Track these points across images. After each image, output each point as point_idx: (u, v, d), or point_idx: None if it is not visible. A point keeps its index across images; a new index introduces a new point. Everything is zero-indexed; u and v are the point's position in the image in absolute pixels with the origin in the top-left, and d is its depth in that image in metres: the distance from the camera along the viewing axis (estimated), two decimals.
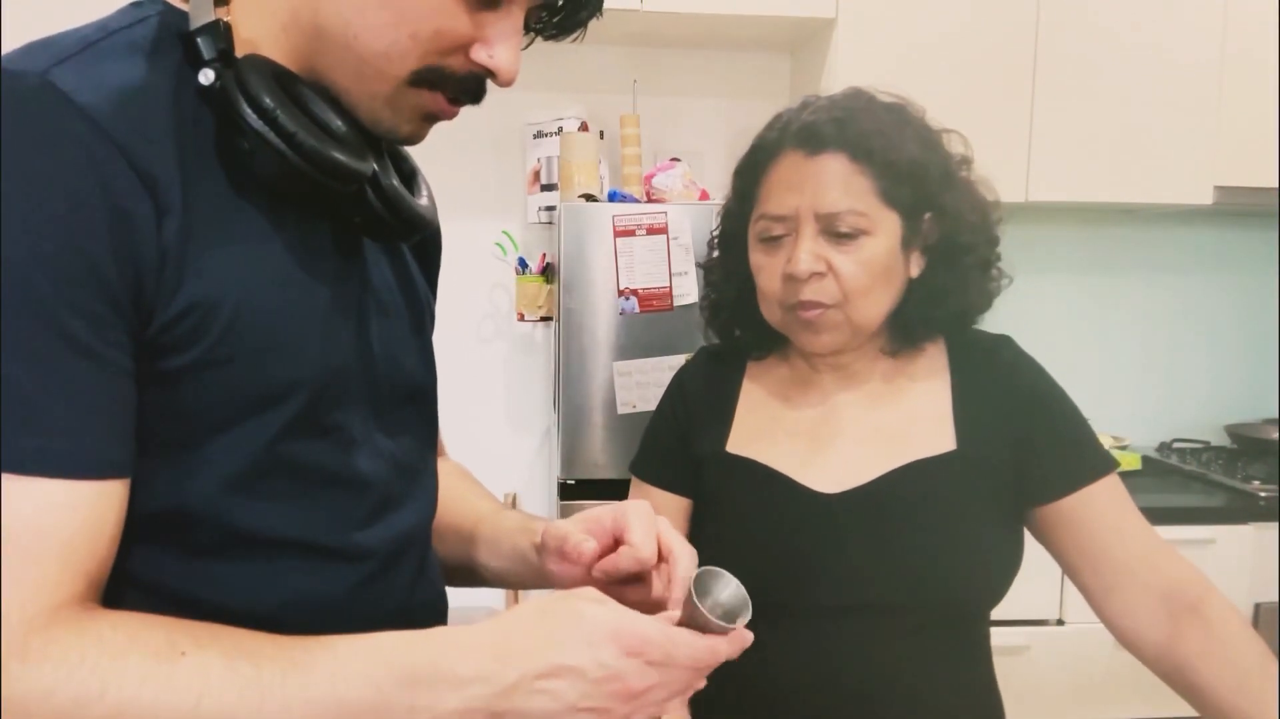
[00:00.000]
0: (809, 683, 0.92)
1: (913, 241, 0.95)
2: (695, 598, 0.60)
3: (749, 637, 0.62)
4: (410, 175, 0.74)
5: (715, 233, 1.08)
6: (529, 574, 0.81)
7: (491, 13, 0.62)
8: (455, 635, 0.59)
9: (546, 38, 0.68)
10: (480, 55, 0.62)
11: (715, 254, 1.09)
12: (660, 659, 0.58)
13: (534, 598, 0.62)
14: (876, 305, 0.94)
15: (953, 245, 0.96)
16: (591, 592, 0.61)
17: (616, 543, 0.74)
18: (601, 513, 0.76)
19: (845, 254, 0.91)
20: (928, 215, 0.95)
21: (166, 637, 0.53)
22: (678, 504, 1.05)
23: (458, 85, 0.63)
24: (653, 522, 0.74)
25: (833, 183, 0.91)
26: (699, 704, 0.96)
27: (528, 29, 0.66)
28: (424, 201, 0.73)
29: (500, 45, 0.62)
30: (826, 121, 0.93)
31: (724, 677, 0.95)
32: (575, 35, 0.69)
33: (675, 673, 0.59)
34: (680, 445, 1.05)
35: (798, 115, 0.96)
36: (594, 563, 0.74)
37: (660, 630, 0.59)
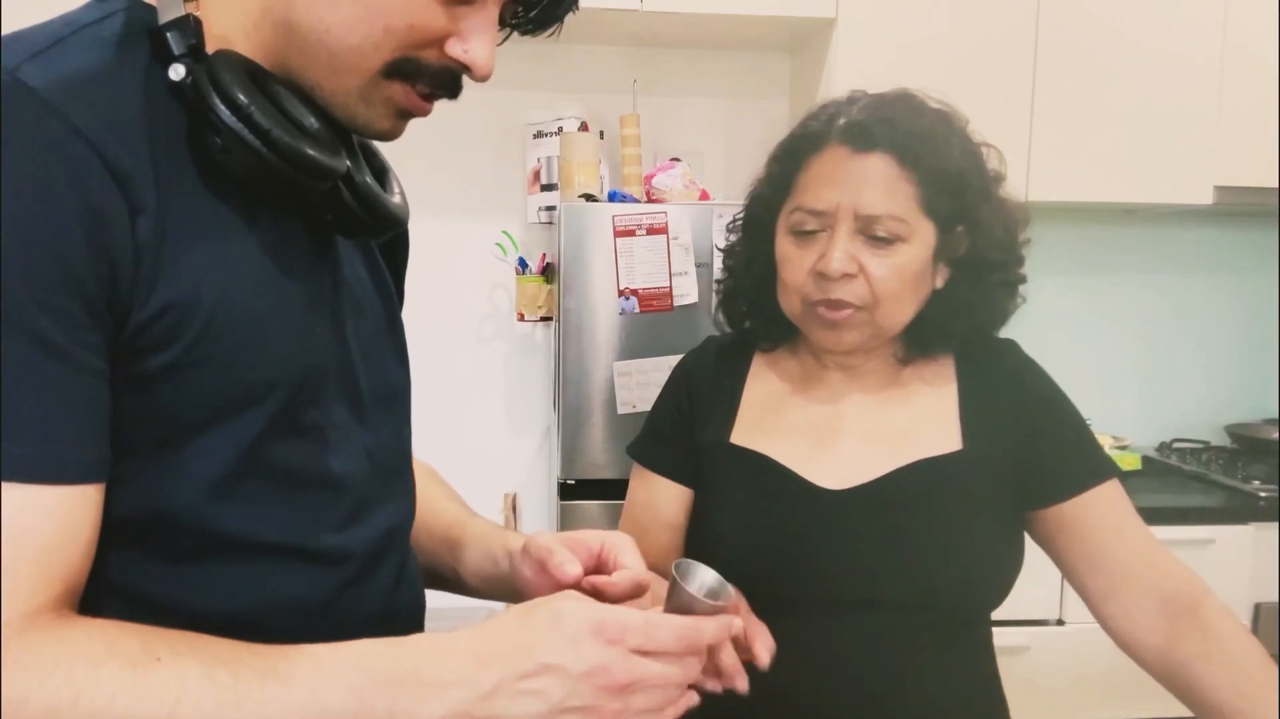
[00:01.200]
0: (811, 679, 0.92)
1: (943, 253, 0.94)
2: (679, 579, 0.61)
3: (737, 621, 0.62)
4: (382, 172, 0.73)
5: (739, 216, 1.06)
6: (498, 582, 0.80)
7: (466, 6, 0.61)
8: (435, 641, 0.58)
9: (523, 33, 0.67)
10: (455, 50, 0.61)
11: (736, 238, 1.06)
12: (642, 643, 0.57)
13: (517, 605, 0.61)
14: (902, 312, 0.94)
15: (981, 261, 0.96)
16: (570, 593, 0.61)
17: (598, 568, 0.73)
18: (587, 536, 0.75)
19: (879, 258, 0.90)
20: (960, 228, 0.94)
21: (142, 644, 0.53)
22: (678, 493, 1.04)
23: (432, 78, 0.62)
24: (637, 552, 0.74)
25: (877, 184, 0.90)
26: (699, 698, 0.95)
27: (503, 24, 0.65)
28: (396, 199, 0.72)
29: (475, 39, 0.61)
30: (877, 120, 0.91)
31: None
32: (551, 31, 0.67)
33: (659, 668, 0.58)
34: (683, 433, 1.05)
35: (846, 109, 0.94)
36: (575, 585, 0.72)
37: (640, 616, 0.58)
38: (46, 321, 0.51)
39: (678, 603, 0.61)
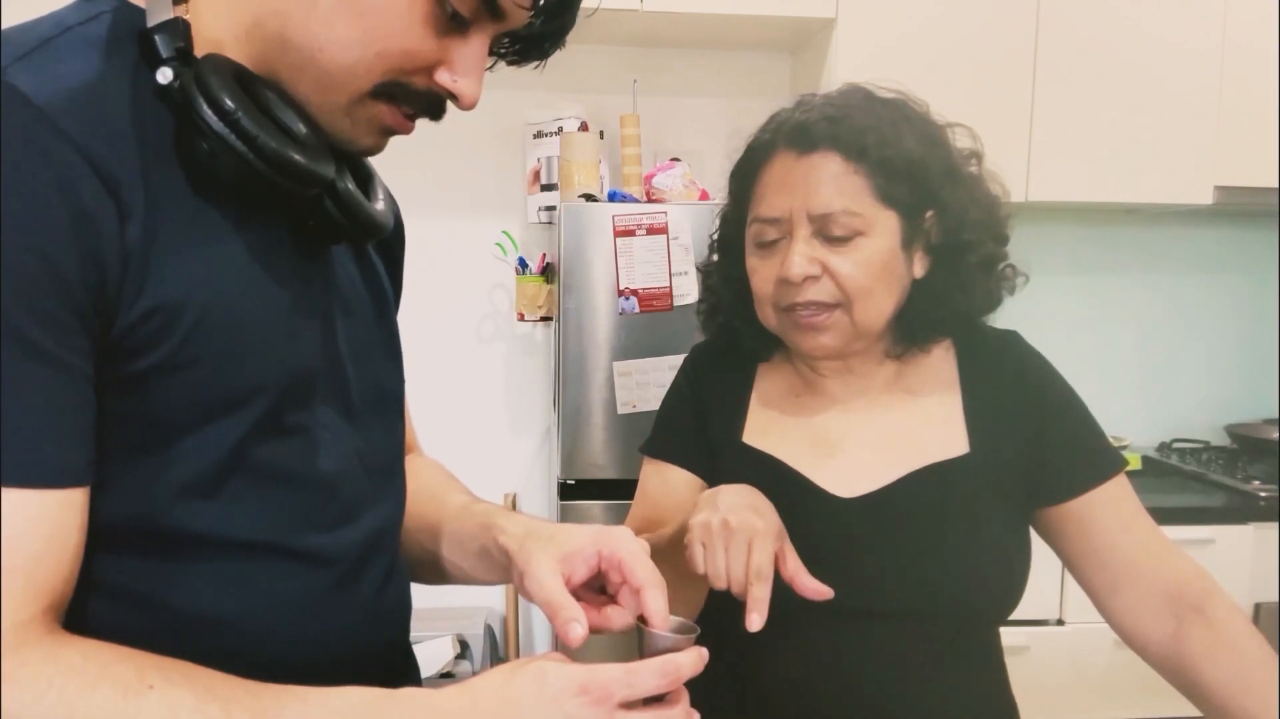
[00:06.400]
0: (821, 689, 0.91)
1: (915, 241, 0.92)
2: (642, 623, 0.64)
3: (705, 653, 0.63)
4: (367, 178, 0.74)
5: (714, 237, 1.07)
6: (494, 571, 0.79)
7: (459, 39, 0.62)
8: (424, 698, 0.59)
9: (510, 63, 0.69)
10: (444, 79, 0.62)
11: (714, 258, 1.06)
12: (627, 694, 0.58)
13: (502, 666, 0.62)
14: (879, 307, 0.92)
15: (955, 244, 0.94)
16: (555, 654, 0.62)
17: (598, 570, 0.72)
18: (584, 547, 0.71)
19: (841, 255, 0.89)
20: (929, 213, 0.92)
21: (136, 670, 0.52)
22: (697, 485, 1.01)
23: (418, 101, 0.63)
24: (638, 546, 0.71)
25: (825, 182, 0.89)
26: (707, 707, 0.95)
27: (491, 52, 0.66)
28: (380, 205, 0.72)
29: (464, 70, 0.63)
30: (819, 120, 0.90)
31: (735, 680, 0.93)
32: (536, 65, 0.69)
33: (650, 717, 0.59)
34: (698, 425, 1.03)
35: (791, 115, 0.94)
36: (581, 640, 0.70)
37: (621, 668, 0.59)
38: (33, 326, 0.50)
39: (653, 649, 0.64)
